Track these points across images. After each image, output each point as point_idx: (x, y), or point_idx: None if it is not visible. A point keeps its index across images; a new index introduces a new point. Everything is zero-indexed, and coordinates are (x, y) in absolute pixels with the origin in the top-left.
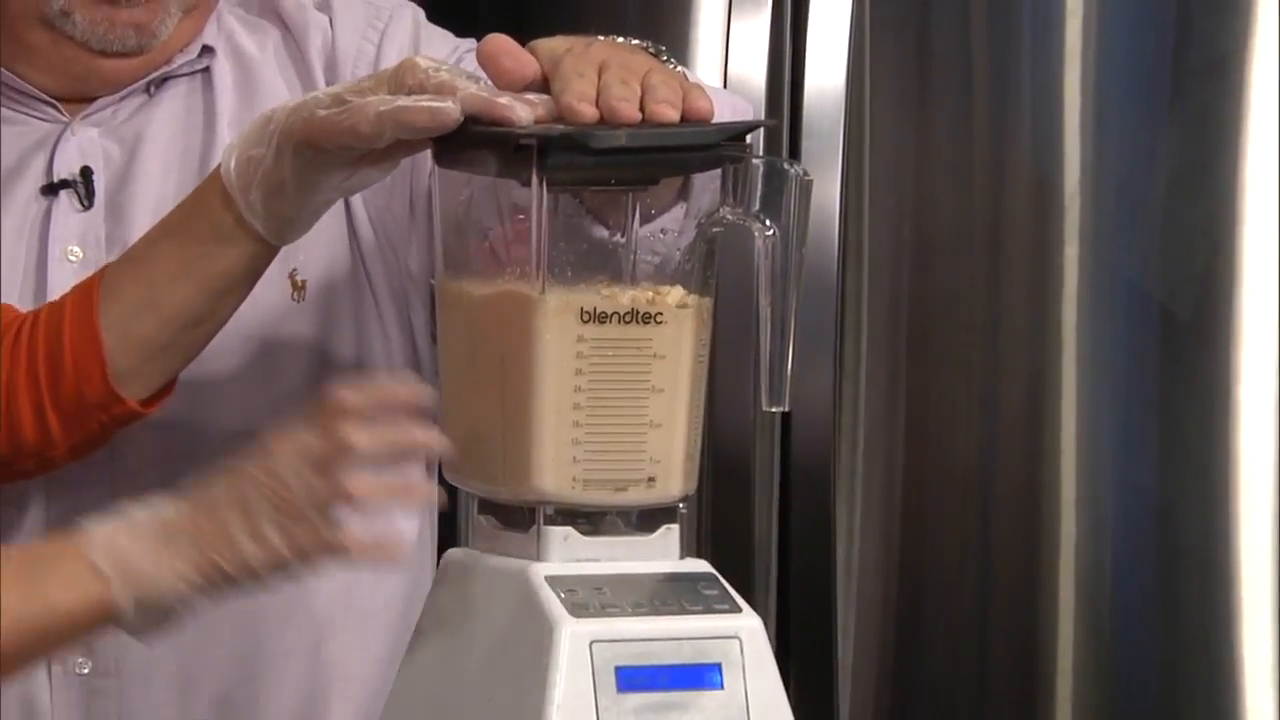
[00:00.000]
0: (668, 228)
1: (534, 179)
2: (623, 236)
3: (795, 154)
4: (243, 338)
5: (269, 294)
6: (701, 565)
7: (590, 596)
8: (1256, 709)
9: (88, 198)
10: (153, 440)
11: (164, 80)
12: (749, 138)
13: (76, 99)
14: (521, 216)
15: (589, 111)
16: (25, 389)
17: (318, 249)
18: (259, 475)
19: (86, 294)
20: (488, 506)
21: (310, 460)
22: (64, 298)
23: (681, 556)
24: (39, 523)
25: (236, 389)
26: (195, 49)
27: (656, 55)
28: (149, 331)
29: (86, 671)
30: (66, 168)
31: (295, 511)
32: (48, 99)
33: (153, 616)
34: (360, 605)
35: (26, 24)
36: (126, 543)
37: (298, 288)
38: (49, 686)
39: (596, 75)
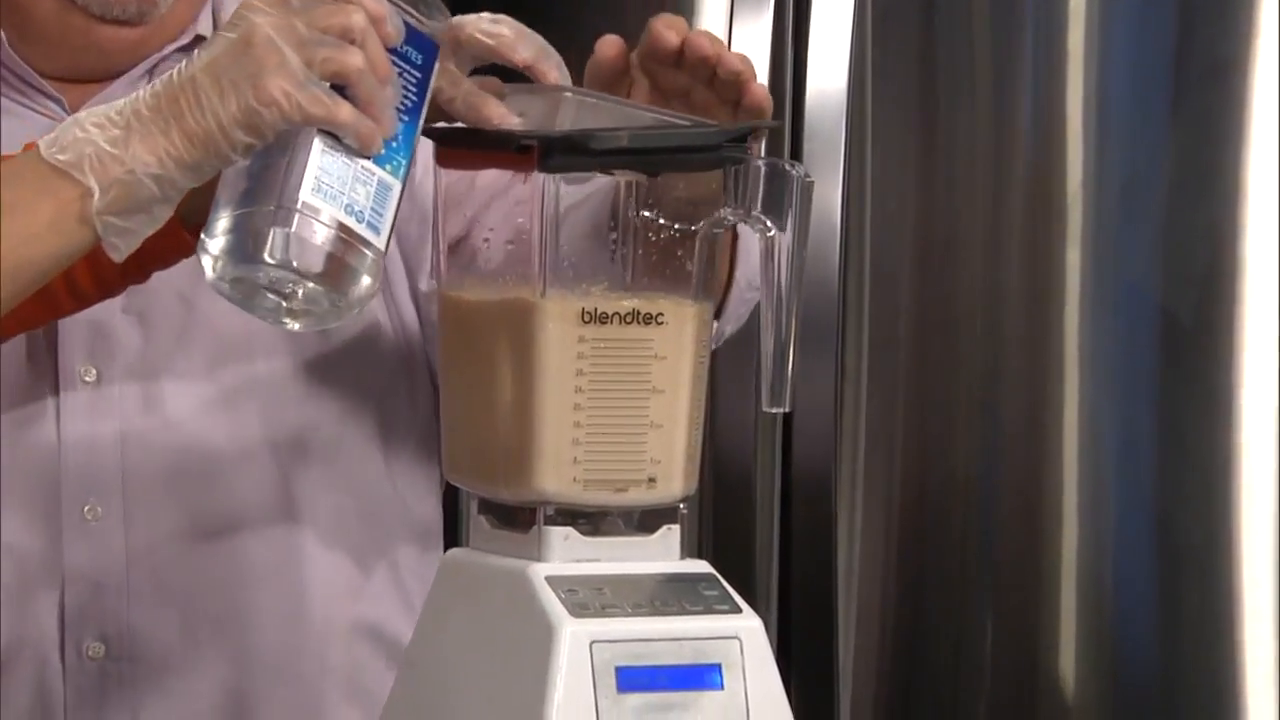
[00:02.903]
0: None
1: (535, 179)
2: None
3: (797, 156)
4: (250, 349)
5: None
6: (702, 566)
7: (590, 597)
8: (1258, 713)
9: None
10: (161, 449)
11: (156, 70)
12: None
13: (75, 79)
14: (522, 219)
15: (672, 37)
16: None
17: None
18: (247, 35)
19: None
20: (488, 506)
21: (298, 31)
22: None
23: (682, 557)
24: (48, 519)
25: (245, 404)
26: (189, 35)
27: None
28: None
29: (101, 655)
30: None
31: (281, 70)
32: (50, 92)
33: (132, 209)
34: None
35: None
36: (91, 134)
37: None
38: (62, 671)
39: None
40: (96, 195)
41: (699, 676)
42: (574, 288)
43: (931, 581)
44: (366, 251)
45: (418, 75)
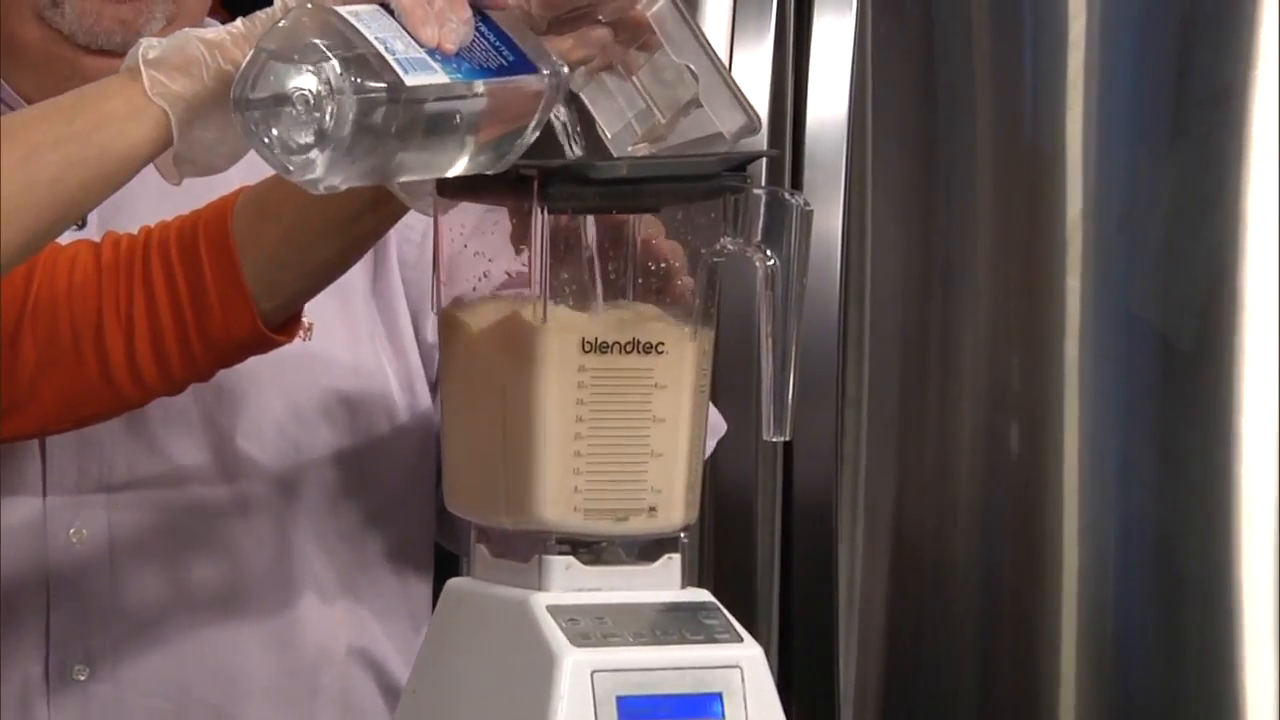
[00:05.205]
0: None
1: (535, 209)
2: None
3: (797, 184)
4: (239, 388)
5: None
6: (703, 595)
7: (592, 626)
8: None
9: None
10: (147, 475)
11: None
12: (750, 168)
13: None
14: (522, 246)
15: None
16: (171, 324)
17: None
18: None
19: (222, 242)
20: (489, 535)
21: None
22: (196, 239)
23: (683, 586)
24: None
25: (235, 436)
26: None
27: None
28: (290, 279)
29: (84, 679)
30: None
31: None
32: None
33: (177, 64)
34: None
35: (20, 18)
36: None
37: (304, 329)
38: (46, 693)
39: None
40: (142, 45)
41: (700, 706)
42: (574, 317)
43: (932, 609)
44: (397, 75)
45: (499, 55)
